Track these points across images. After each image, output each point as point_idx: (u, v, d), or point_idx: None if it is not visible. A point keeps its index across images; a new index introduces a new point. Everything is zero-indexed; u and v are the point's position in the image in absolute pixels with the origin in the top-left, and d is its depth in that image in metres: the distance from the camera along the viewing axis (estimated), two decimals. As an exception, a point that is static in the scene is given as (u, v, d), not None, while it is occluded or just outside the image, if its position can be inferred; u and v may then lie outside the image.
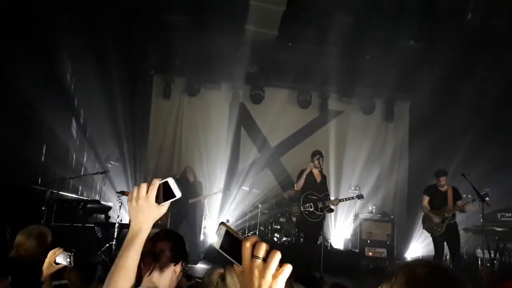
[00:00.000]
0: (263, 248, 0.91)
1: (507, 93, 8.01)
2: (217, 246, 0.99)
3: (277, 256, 0.90)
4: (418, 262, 1.18)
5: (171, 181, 1.32)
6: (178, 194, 1.31)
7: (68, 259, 2.69)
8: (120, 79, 8.85)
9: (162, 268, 1.98)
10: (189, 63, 9.47)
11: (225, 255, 0.98)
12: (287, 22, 7.95)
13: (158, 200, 1.31)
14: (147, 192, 1.30)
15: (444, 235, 6.54)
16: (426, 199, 6.83)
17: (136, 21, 8.29)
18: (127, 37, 8.69)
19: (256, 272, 0.90)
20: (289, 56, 9.41)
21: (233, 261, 0.96)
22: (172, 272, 2.01)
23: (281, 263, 0.91)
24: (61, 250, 2.72)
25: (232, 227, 1.02)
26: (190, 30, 8.47)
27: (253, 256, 0.91)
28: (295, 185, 6.90)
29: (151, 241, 2.06)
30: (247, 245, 0.92)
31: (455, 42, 7.46)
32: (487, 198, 6.31)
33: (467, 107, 8.63)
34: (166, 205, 1.33)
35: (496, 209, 7.36)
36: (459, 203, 6.52)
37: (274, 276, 0.89)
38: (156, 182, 1.31)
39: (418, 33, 8.11)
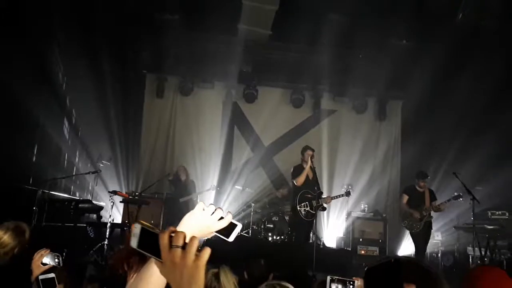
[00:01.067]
0: (180, 237, 0.93)
1: (498, 92, 8.08)
2: (135, 246, 0.99)
3: (195, 241, 0.93)
4: (397, 257, 1.21)
5: (238, 228, 1.31)
6: (231, 239, 1.30)
7: (57, 260, 2.66)
8: (113, 78, 8.82)
9: None
10: (182, 62, 9.45)
11: (144, 252, 0.99)
12: (280, 22, 7.96)
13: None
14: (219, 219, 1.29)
15: (422, 232, 6.86)
16: (405, 198, 7.14)
17: (129, 20, 8.25)
18: (119, 36, 8.65)
19: (177, 260, 0.91)
20: (282, 55, 9.43)
21: (153, 257, 0.96)
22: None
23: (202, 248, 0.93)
24: (48, 251, 2.69)
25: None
26: (183, 29, 8.46)
27: (171, 245, 0.92)
28: (295, 181, 6.86)
29: None
30: (164, 236, 0.94)
31: (446, 42, 7.51)
32: (461, 199, 6.71)
33: (459, 106, 8.69)
34: (213, 234, 1.32)
35: (486, 207, 7.43)
36: (434, 203, 6.90)
37: (194, 261, 0.91)
38: (230, 218, 1.30)
39: (410, 33, 8.16)
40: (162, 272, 0.96)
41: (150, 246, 0.97)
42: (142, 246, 0.98)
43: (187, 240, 0.95)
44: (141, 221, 1.01)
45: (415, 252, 7.09)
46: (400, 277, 0.88)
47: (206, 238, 1.34)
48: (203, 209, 1.29)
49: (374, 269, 0.89)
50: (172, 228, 0.95)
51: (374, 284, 0.88)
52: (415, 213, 6.86)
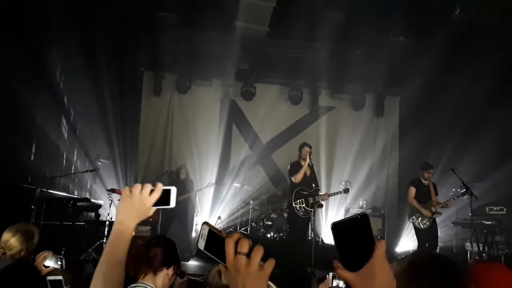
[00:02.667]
0: (246, 244, 0.92)
1: (496, 88, 8.09)
2: (202, 247, 0.99)
3: (260, 250, 0.92)
4: (423, 250, 1.28)
5: (173, 191, 1.33)
6: (172, 204, 1.33)
7: (60, 262, 2.66)
8: (110, 76, 8.79)
9: (155, 272, 2.14)
10: (180, 60, 9.43)
11: (210, 255, 0.98)
12: (278, 18, 7.95)
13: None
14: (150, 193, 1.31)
15: (429, 229, 6.71)
16: (413, 191, 6.94)
17: (126, 17, 8.23)
18: (116, 34, 8.63)
19: (240, 268, 0.91)
20: (279, 52, 9.41)
21: (218, 260, 0.96)
22: (164, 275, 2.17)
23: (266, 257, 0.93)
24: (51, 253, 2.69)
25: (223, 223, 1.03)
26: (180, 26, 8.44)
27: (237, 252, 0.92)
28: (294, 178, 6.86)
29: (145, 246, 2.21)
30: (231, 242, 0.93)
31: (444, 37, 7.52)
32: (467, 196, 6.56)
33: (457, 101, 8.71)
34: (154, 209, 1.34)
35: (484, 202, 7.45)
36: (436, 198, 6.80)
37: (258, 270, 0.91)
38: (161, 187, 1.32)
39: (407, 29, 8.16)
40: (225, 276, 0.96)
41: (216, 249, 0.97)
42: (208, 248, 0.99)
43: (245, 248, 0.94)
44: (208, 223, 1.01)
45: (417, 247, 6.93)
46: (370, 231, 0.91)
47: (147, 216, 1.35)
48: (130, 191, 1.30)
49: (342, 224, 0.91)
50: (238, 234, 0.95)
51: (343, 238, 0.91)
52: (426, 211, 6.69)
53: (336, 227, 0.92)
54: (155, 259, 2.14)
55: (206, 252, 0.99)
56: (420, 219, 6.76)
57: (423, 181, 6.96)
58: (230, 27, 8.31)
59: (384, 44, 8.57)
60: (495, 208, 7.50)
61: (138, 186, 1.31)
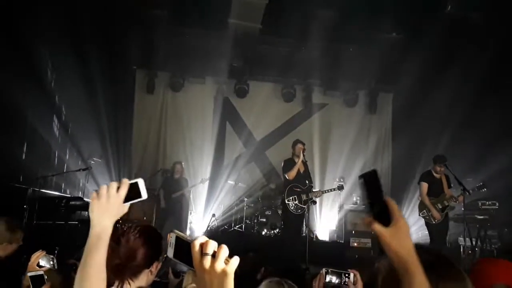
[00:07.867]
0: (211, 245, 0.96)
1: (488, 83, 8.14)
2: (171, 255, 1.01)
3: (224, 250, 0.95)
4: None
5: (140, 183, 1.35)
6: (144, 195, 1.33)
7: (51, 262, 2.66)
8: (102, 74, 8.73)
9: (136, 275, 1.78)
10: (172, 58, 9.38)
11: (179, 262, 1.00)
12: (270, 15, 7.93)
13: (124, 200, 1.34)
14: (117, 190, 1.33)
15: (440, 224, 6.49)
16: (425, 186, 6.59)
17: (117, 15, 8.16)
18: (108, 31, 8.55)
19: (206, 268, 0.94)
20: (272, 49, 9.40)
21: (188, 266, 0.98)
22: (147, 273, 1.81)
23: (232, 256, 0.96)
24: (44, 252, 2.69)
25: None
26: (172, 24, 8.39)
27: (203, 254, 0.95)
28: (287, 175, 6.86)
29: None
30: (196, 244, 0.96)
31: (435, 34, 7.54)
32: (485, 189, 6.42)
33: (450, 98, 8.75)
34: (128, 205, 1.35)
35: (477, 197, 7.48)
36: (450, 191, 6.56)
37: (223, 268, 0.94)
38: (127, 182, 1.34)
39: (400, 26, 8.18)
40: (194, 280, 0.99)
41: (184, 255, 0.99)
42: (177, 255, 1.01)
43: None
44: (175, 231, 1.03)
45: (430, 243, 6.58)
46: (379, 184, 1.11)
47: (123, 213, 1.36)
48: (97, 194, 1.32)
49: (365, 176, 1.13)
50: (203, 237, 0.98)
51: (369, 190, 1.11)
52: (436, 213, 6.39)
53: (364, 178, 1.10)
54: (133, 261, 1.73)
55: (175, 259, 1.01)
56: (431, 213, 6.49)
57: (435, 174, 6.63)
58: (222, 24, 8.27)
59: (376, 41, 8.57)
60: (487, 202, 7.53)
61: (104, 187, 1.32)
